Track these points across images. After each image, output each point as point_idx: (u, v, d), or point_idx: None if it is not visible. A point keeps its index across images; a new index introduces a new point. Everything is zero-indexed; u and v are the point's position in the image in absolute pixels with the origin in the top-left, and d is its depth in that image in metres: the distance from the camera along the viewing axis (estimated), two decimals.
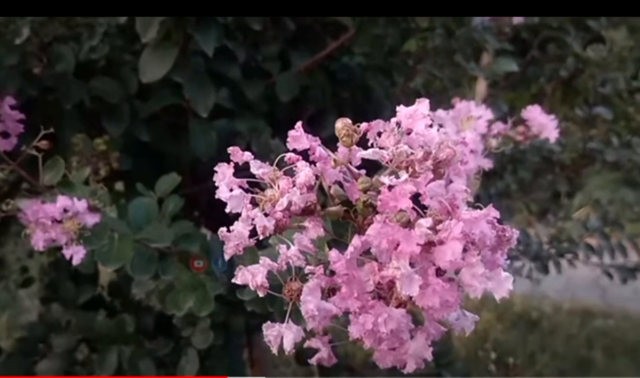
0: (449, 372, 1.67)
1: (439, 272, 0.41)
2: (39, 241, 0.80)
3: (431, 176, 0.41)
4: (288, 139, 0.52)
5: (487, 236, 0.39)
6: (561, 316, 3.99)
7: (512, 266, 2.30)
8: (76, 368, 1.67)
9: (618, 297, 3.79)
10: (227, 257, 0.49)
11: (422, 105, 0.48)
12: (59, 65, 1.37)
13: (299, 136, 0.51)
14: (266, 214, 0.44)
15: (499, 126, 0.99)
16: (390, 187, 0.40)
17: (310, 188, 0.46)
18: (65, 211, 0.81)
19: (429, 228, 0.38)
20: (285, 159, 0.50)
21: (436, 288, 0.38)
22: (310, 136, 0.52)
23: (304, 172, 0.45)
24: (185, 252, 1.13)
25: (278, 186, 0.45)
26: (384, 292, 0.42)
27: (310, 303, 0.41)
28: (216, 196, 0.46)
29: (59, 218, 0.81)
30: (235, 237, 0.49)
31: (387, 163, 0.44)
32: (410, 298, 0.40)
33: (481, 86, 2.58)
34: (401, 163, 0.43)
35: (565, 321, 3.91)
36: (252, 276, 0.46)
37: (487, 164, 0.90)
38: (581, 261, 2.09)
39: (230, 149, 0.50)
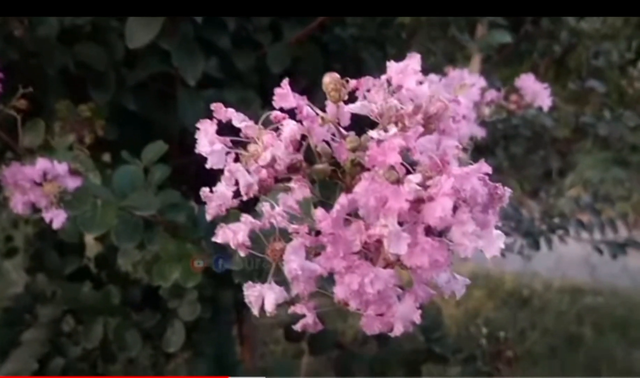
0: (440, 347, 1.67)
1: (429, 231, 0.40)
2: (17, 204, 0.78)
3: (421, 130, 0.39)
4: (274, 98, 0.50)
5: (478, 193, 0.37)
6: (551, 293, 4.03)
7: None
8: (62, 339, 1.66)
9: (607, 275, 3.83)
10: (209, 218, 0.47)
11: (413, 60, 0.45)
12: (41, 28, 1.33)
13: (285, 94, 0.48)
14: (250, 172, 0.42)
15: (492, 94, 0.97)
16: (379, 142, 0.38)
17: (296, 144, 0.44)
18: (45, 173, 0.79)
19: (418, 184, 0.37)
20: (271, 117, 0.48)
21: (425, 246, 0.37)
22: (297, 94, 0.50)
23: (289, 126, 0.43)
24: (171, 222, 1.11)
25: (262, 142, 0.43)
26: (371, 253, 0.40)
27: (293, 262, 0.39)
28: (196, 151, 0.44)
29: (38, 181, 0.79)
30: (217, 197, 0.47)
31: (375, 117, 0.42)
32: (399, 259, 0.38)
33: (475, 63, 2.56)
34: (390, 118, 0.41)
35: (555, 298, 3.95)
36: (234, 235, 0.44)
37: (480, 132, 0.88)
38: (572, 237, 2.10)
39: (213, 105, 0.48)
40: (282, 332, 1.83)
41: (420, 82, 0.44)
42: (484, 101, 0.95)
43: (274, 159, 0.42)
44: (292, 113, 0.50)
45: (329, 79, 0.46)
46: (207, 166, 0.44)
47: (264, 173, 0.45)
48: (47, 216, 0.79)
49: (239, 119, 0.44)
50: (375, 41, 1.87)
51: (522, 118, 1.88)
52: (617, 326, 3.56)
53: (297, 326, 0.50)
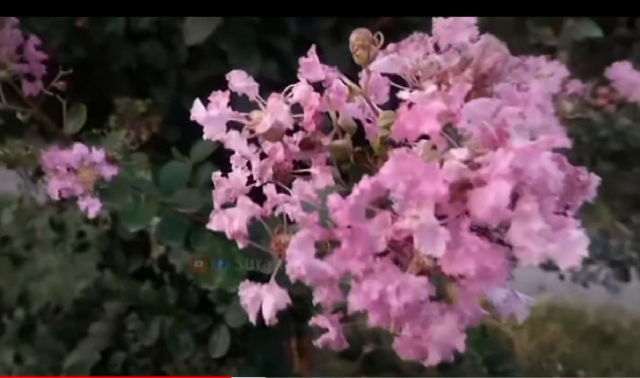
0: None
1: (483, 231, 0.30)
2: (53, 189, 0.75)
3: (469, 88, 0.29)
4: (299, 69, 0.42)
5: (550, 176, 0.26)
6: None
7: (585, 271, 2.10)
8: (124, 334, 1.72)
9: None
10: (216, 206, 0.40)
11: (466, 18, 0.35)
12: (109, 24, 1.33)
13: (312, 64, 0.40)
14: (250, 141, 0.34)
15: (575, 85, 0.82)
16: (410, 105, 0.28)
17: (318, 119, 0.36)
18: (82, 159, 0.76)
19: (464, 162, 0.27)
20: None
21: (471, 248, 0.26)
22: (327, 66, 0.42)
23: (300, 88, 0.34)
24: None
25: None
26: (403, 255, 0.31)
27: (297, 258, 0.29)
28: (191, 117, 0.37)
29: (75, 167, 0.76)
30: (228, 182, 0.39)
31: (411, 77, 0.32)
32: (437, 264, 0.29)
33: None
34: (431, 77, 0.31)
35: None
36: (229, 221, 0.36)
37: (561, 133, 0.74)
38: None
39: (229, 75, 0.40)
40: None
41: (475, 41, 0.33)
42: (566, 94, 0.80)
43: (278, 126, 0.33)
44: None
45: (356, 36, 0.37)
46: (204, 136, 0.37)
47: (280, 153, 0.37)
48: (82, 204, 0.76)
49: (238, 79, 0.36)
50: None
51: (611, 128, 1.68)
52: None
53: (318, 343, 0.41)
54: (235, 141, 0.34)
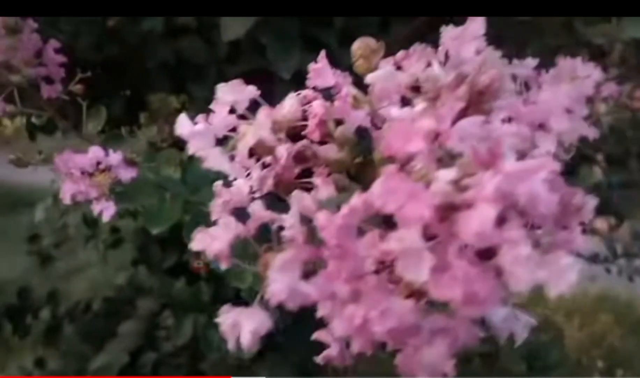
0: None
1: (483, 253, 0.28)
2: (66, 194, 0.74)
3: (461, 106, 0.27)
4: (309, 75, 0.41)
5: (540, 199, 0.25)
6: None
7: (631, 265, 2.03)
8: (157, 333, 1.69)
9: None
10: (213, 217, 0.39)
11: (474, 24, 0.34)
12: (146, 22, 1.34)
13: (321, 70, 0.39)
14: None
15: (610, 88, 0.79)
16: (399, 122, 0.27)
17: (322, 128, 0.35)
18: (98, 163, 0.76)
19: (453, 184, 0.25)
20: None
21: (457, 273, 0.25)
22: (338, 71, 0.41)
23: (289, 100, 0.33)
24: None
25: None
26: (396, 276, 0.30)
27: (279, 281, 0.28)
28: (175, 133, 0.36)
29: (90, 170, 0.75)
30: (229, 193, 0.39)
31: (406, 92, 0.31)
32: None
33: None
34: (428, 93, 0.30)
35: None
36: (212, 241, 0.35)
37: (592, 133, 0.71)
38: None
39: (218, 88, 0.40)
40: None
41: (480, 52, 0.32)
42: (600, 96, 0.77)
43: (261, 144, 0.32)
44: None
45: (358, 45, 0.36)
46: (189, 152, 0.36)
47: (280, 164, 0.36)
48: (96, 208, 0.75)
49: (228, 92, 0.36)
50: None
51: None
52: None
53: (320, 359, 0.40)
54: (215, 159, 0.33)
